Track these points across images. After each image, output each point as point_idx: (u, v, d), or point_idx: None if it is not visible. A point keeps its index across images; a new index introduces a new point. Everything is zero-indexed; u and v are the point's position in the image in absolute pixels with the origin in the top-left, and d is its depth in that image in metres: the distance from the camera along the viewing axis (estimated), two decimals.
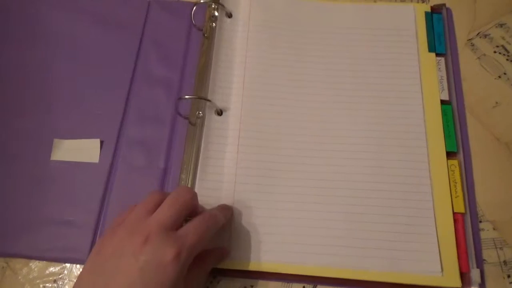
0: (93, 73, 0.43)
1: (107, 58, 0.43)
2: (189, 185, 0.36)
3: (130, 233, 0.27)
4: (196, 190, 0.36)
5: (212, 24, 0.43)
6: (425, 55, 0.41)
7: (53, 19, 0.46)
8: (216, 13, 0.43)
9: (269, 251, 0.34)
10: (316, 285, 0.34)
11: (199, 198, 0.33)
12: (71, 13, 0.46)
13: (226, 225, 0.34)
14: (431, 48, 0.42)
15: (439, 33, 0.43)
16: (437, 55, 0.42)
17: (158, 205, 0.29)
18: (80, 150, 0.39)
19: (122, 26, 0.45)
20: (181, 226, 0.29)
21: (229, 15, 0.44)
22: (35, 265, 0.36)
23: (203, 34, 0.43)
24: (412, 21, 0.43)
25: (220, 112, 0.39)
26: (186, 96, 0.39)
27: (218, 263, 0.34)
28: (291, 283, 0.35)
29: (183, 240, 0.27)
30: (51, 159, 0.39)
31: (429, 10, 0.44)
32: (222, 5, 0.43)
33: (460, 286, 0.33)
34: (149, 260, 0.26)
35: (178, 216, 0.29)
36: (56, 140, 0.39)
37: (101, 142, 0.39)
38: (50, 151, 0.39)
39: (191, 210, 0.31)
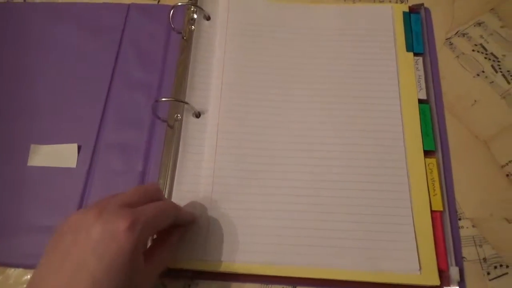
0: (71, 77, 0.43)
1: (85, 62, 0.43)
2: (167, 189, 0.36)
3: (86, 211, 0.27)
4: (174, 193, 0.36)
5: (191, 27, 0.43)
6: (403, 55, 0.41)
7: (31, 24, 0.45)
8: (195, 16, 0.43)
9: (247, 252, 0.34)
10: (296, 286, 0.34)
11: (177, 201, 0.33)
12: (49, 17, 0.46)
13: (195, 225, 0.34)
14: (409, 47, 0.42)
15: (417, 32, 0.43)
16: (415, 54, 0.42)
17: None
18: (57, 155, 0.39)
19: (101, 30, 0.45)
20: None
21: (208, 18, 0.44)
22: (12, 272, 0.36)
23: (182, 37, 0.43)
24: (390, 21, 0.43)
25: (198, 115, 0.39)
26: (163, 99, 0.38)
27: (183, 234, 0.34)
28: (269, 285, 0.34)
29: (138, 214, 0.27)
30: (28, 164, 0.39)
31: (407, 10, 0.44)
32: (201, 8, 0.43)
33: (438, 284, 0.33)
34: (101, 232, 0.25)
35: (138, 199, 0.29)
36: (33, 146, 0.39)
37: (79, 147, 0.39)
38: (27, 156, 0.39)
39: (155, 199, 0.30)
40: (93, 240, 0.25)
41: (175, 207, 0.32)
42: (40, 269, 0.26)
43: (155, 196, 0.31)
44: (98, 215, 0.26)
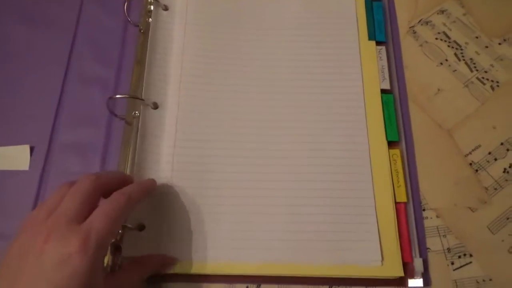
0: (22, 74, 0.40)
1: (37, 59, 0.41)
2: None
3: (32, 234, 0.25)
4: None
5: (148, 19, 0.41)
6: (365, 43, 0.41)
7: None
8: (152, 8, 0.42)
9: (210, 249, 0.33)
10: (260, 285, 0.34)
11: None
12: (2, 11, 0.43)
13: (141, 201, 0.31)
14: (371, 36, 0.41)
15: (379, 21, 0.42)
16: (378, 43, 0.41)
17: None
18: (8, 157, 0.37)
19: (54, 24, 0.43)
20: (88, 215, 0.27)
21: (165, 8, 0.42)
22: None
23: (139, 30, 0.41)
24: (352, 9, 0.43)
25: (156, 106, 0.38)
26: (118, 96, 0.37)
27: (159, 270, 0.32)
28: (234, 284, 0.34)
29: (88, 228, 0.25)
30: None
31: None
32: (157, 0, 0.42)
33: (402, 275, 0.32)
34: (52, 257, 0.24)
35: (81, 207, 0.27)
36: None
37: (31, 148, 0.37)
38: None
39: (99, 195, 0.29)
40: (45, 265, 0.24)
41: (125, 199, 0.28)
42: None
43: (94, 192, 0.28)
44: (45, 240, 0.24)
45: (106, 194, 0.29)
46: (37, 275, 0.24)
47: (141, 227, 0.33)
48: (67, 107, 0.39)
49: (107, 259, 0.32)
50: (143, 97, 0.37)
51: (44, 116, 0.39)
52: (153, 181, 0.34)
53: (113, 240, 0.32)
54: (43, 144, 0.38)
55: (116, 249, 0.32)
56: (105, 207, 0.27)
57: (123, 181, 0.31)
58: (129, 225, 0.32)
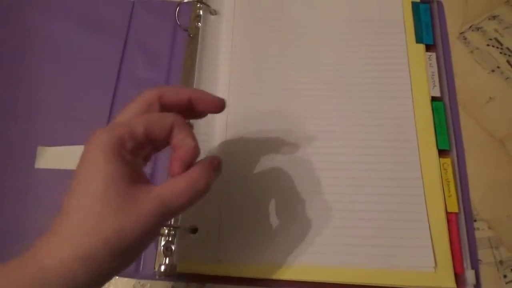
0: (77, 77, 0.42)
1: (91, 62, 0.42)
2: None
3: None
4: None
5: (198, 23, 0.42)
6: (413, 46, 0.40)
7: (36, 22, 0.44)
8: (201, 13, 0.42)
9: (263, 253, 0.33)
10: None
11: None
12: (55, 16, 0.44)
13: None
14: (419, 38, 0.41)
15: (426, 23, 0.42)
16: (428, 49, 0.41)
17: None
18: (64, 157, 0.38)
19: (106, 28, 0.44)
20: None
21: (214, 13, 0.43)
22: None
23: (189, 34, 0.42)
24: (399, 11, 0.42)
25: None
26: None
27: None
28: None
29: (128, 123, 0.25)
30: (36, 167, 0.38)
31: (416, 0, 0.43)
32: (207, 5, 0.42)
33: (454, 286, 0.32)
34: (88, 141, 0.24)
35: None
36: (39, 148, 0.38)
37: None
38: (34, 159, 0.38)
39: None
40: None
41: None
42: None
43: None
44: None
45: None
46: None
47: (194, 230, 0.34)
48: (119, 108, 0.40)
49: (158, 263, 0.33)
50: None
51: (99, 117, 0.40)
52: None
53: (163, 242, 0.33)
54: None
55: (167, 249, 0.33)
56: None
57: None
58: (182, 228, 0.33)
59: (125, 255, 0.23)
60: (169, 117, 0.26)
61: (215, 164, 0.27)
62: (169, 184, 0.24)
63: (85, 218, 0.22)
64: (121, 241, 0.22)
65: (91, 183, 0.23)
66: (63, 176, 0.38)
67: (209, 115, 0.30)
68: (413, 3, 0.43)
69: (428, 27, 0.42)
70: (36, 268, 0.21)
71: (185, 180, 0.25)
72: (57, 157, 0.38)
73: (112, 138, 0.23)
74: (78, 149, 0.38)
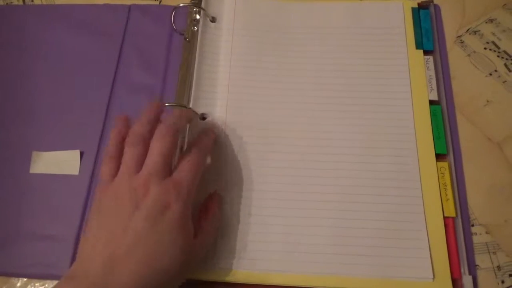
0: (72, 82, 0.42)
1: (86, 66, 0.42)
2: None
3: (128, 191, 0.28)
4: None
5: (194, 28, 0.42)
6: (413, 52, 0.40)
7: (32, 27, 0.44)
8: (198, 17, 0.42)
9: (253, 259, 0.33)
10: None
11: None
12: (51, 21, 0.45)
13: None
14: (419, 45, 0.41)
15: (426, 29, 0.41)
16: (426, 53, 0.41)
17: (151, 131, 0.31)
18: (59, 162, 0.38)
19: (102, 32, 0.44)
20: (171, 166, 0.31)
21: (213, 20, 0.43)
22: (15, 282, 0.35)
23: (185, 38, 0.42)
24: (400, 18, 0.42)
25: (203, 117, 0.38)
26: (166, 104, 0.37)
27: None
28: None
29: (179, 179, 0.29)
30: (30, 172, 0.38)
31: (416, 6, 0.43)
32: (203, 9, 0.42)
33: None
34: (152, 207, 0.27)
35: (168, 160, 0.30)
36: (34, 153, 0.38)
37: (81, 153, 0.38)
38: (29, 164, 0.38)
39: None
40: (145, 217, 0.27)
41: (205, 148, 0.33)
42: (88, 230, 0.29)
43: (176, 140, 0.31)
44: (144, 194, 0.28)
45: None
46: (140, 224, 0.27)
47: None
48: (115, 113, 0.40)
49: None
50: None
51: (94, 122, 0.40)
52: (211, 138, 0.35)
53: None
54: (92, 149, 0.39)
55: None
56: (191, 159, 0.31)
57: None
58: None
59: None
60: None
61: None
62: None
63: None
64: None
65: None
66: (57, 181, 0.38)
67: (207, 121, 0.34)
68: (413, 9, 0.42)
69: (428, 33, 0.42)
70: None
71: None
72: (52, 162, 0.38)
73: None
74: (73, 154, 0.38)
